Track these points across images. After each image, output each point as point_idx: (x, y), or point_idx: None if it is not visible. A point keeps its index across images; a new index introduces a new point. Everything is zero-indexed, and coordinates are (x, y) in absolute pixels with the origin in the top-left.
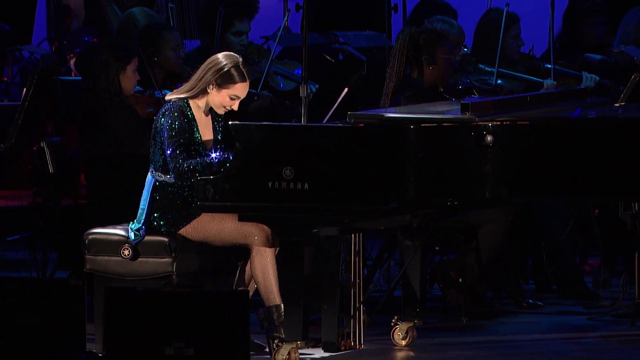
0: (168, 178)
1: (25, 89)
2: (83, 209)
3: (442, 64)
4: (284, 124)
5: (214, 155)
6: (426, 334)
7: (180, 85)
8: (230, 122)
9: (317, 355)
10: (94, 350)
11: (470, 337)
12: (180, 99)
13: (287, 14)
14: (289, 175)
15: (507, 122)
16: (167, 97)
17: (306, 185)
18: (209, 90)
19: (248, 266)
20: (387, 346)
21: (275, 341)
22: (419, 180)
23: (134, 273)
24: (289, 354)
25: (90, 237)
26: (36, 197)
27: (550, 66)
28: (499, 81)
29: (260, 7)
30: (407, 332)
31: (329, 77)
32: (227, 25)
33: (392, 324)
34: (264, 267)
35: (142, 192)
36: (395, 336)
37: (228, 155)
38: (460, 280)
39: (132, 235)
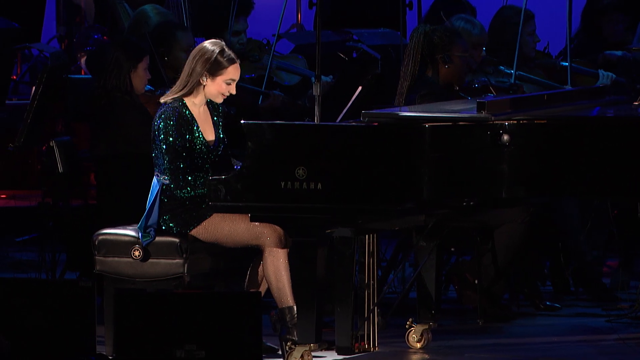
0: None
1: (34, 88)
2: (93, 209)
3: (458, 63)
4: (296, 122)
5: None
6: (441, 336)
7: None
8: (242, 121)
9: (330, 358)
10: (104, 353)
11: (486, 340)
12: (175, 99)
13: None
14: (302, 175)
15: (524, 121)
16: (162, 100)
17: (319, 185)
18: (203, 83)
19: (259, 267)
20: (402, 349)
21: (288, 344)
22: (434, 180)
23: (144, 274)
24: (301, 356)
25: (100, 237)
26: (45, 197)
27: (566, 64)
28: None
29: (268, 4)
30: (422, 335)
31: (342, 75)
32: (223, 25)
33: (406, 326)
34: (276, 269)
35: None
36: (410, 339)
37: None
38: (476, 281)
39: (141, 236)
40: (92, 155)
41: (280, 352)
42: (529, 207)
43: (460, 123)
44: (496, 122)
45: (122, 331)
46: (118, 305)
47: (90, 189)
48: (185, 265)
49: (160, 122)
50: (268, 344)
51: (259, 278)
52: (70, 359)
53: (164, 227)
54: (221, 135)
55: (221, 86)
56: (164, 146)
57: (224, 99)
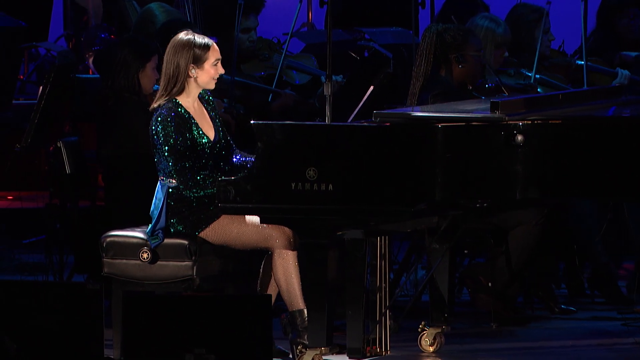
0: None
1: (41, 87)
2: (101, 210)
3: (472, 62)
4: (307, 123)
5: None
6: (454, 340)
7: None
8: (252, 122)
9: None
10: (112, 357)
11: (500, 344)
12: (168, 100)
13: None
14: (313, 176)
15: (539, 121)
16: (155, 106)
17: (330, 186)
18: (192, 76)
19: (268, 269)
20: (414, 353)
21: (299, 347)
22: (446, 181)
23: (153, 277)
24: None
25: (108, 239)
26: (53, 198)
27: (582, 63)
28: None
29: (277, 3)
30: (434, 338)
31: (354, 75)
32: (232, 23)
33: (419, 329)
34: (286, 271)
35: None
36: (423, 342)
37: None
38: (489, 284)
39: (150, 239)
40: (100, 156)
41: (291, 356)
42: (544, 208)
43: (474, 123)
44: (510, 122)
45: (130, 334)
46: (126, 308)
47: (98, 190)
48: (194, 268)
49: (159, 126)
50: (279, 347)
51: (269, 278)
52: None
53: (172, 230)
54: (220, 130)
55: (210, 70)
56: (166, 148)
57: (235, 100)
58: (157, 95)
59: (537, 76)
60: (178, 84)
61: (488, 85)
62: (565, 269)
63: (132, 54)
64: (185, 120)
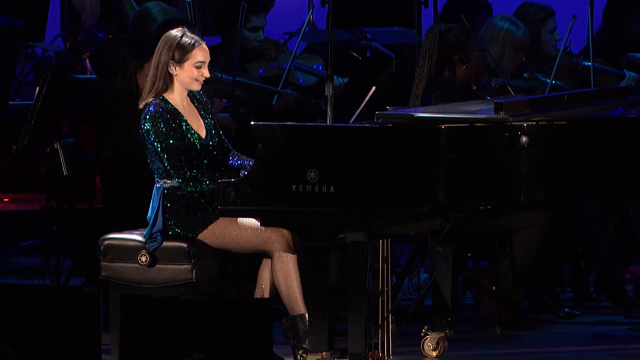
0: (175, 182)
1: (38, 88)
2: (98, 213)
3: (475, 62)
4: (308, 124)
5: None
6: (458, 344)
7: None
8: (252, 123)
9: None
10: None
11: (504, 349)
12: (155, 98)
13: (311, 11)
14: (314, 178)
15: (543, 122)
16: (142, 105)
17: (332, 188)
18: (172, 72)
19: (265, 273)
20: (417, 358)
21: (300, 352)
22: (450, 183)
23: (151, 280)
24: None
25: (106, 242)
26: (50, 200)
27: (589, 64)
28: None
29: (283, 2)
30: (437, 343)
31: (355, 75)
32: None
33: (422, 334)
34: (286, 274)
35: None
36: (426, 347)
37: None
38: (493, 288)
39: (148, 241)
40: (98, 158)
41: None
42: (549, 210)
43: (477, 124)
44: (514, 123)
45: (128, 339)
46: (124, 312)
47: (95, 192)
48: (194, 271)
49: (147, 123)
50: (277, 354)
51: (265, 283)
52: None
53: (170, 233)
54: (213, 131)
55: (192, 71)
56: (158, 145)
57: (236, 100)
58: (144, 94)
59: (554, 82)
60: (160, 80)
61: (492, 85)
62: (570, 272)
63: (131, 54)
64: (173, 116)
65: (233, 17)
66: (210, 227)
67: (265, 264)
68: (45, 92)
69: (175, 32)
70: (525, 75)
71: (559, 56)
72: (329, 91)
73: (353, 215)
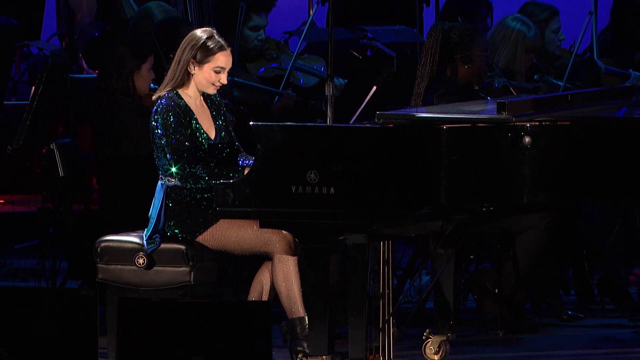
0: (177, 182)
1: (34, 88)
2: (95, 214)
3: (478, 62)
4: (308, 124)
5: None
6: (460, 348)
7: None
8: (251, 123)
9: None
10: None
11: (507, 352)
12: (169, 92)
13: (315, 7)
14: (314, 179)
15: (547, 123)
16: (155, 97)
17: (332, 190)
18: (191, 71)
19: (263, 276)
20: None
21: (299, 355)
22: (452, 184)
23: (149, 283)
24: None
25: (102, 244)
26: (45, 202)
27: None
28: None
29: (283, 0)
30: (439, 346)
31: (356, 74)
32: (244, 19)
33: (423, 337)
34: (286, 277)
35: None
36: (427, 350)
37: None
38: (496, 290)
39: (146, 243)
40: (95, 158)
41: None
42: (552, 212)
43: (480, 124)
44: (517, 123)
45: (125, 342)
46: (121, 315)
47: (92, 193)
48: (192, 274)
49: (158, 117)
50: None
51: (261, 286)
52: None
53: (169, 234)
54: (222, 134)
55: (210, 75)
56: (164, 140)
57: (239, 100)
58: (161, 85)
59: (568, 85)
60: (177, 75)
61: (495, 85)
62: (574, 274)
63: (129, 53)
64: (184, 112)
65: (233, 16)
66: (209, 230)
67: (264, 269)
68: (40, 91)
69: (203, 32)
70: (535, 77)
71: (572, 58)
72: (329, 91)
73: (353, 216)
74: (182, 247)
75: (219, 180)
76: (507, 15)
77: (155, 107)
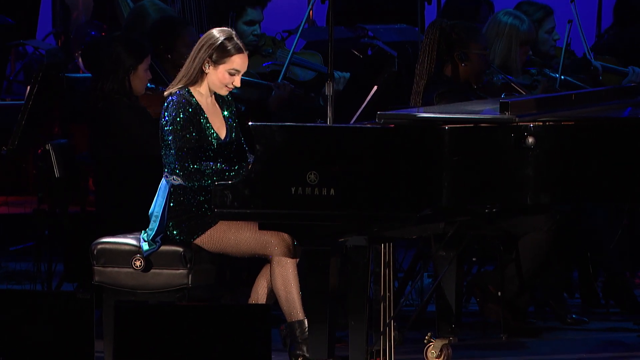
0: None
1: (29, 87)
2: (91, 216)
3: (476, 60)
4: (308, 124)
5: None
6: (462, 352)
7: None
8: (250, 123)
9: None
10: None
11: (509, 356)
12: (180, 89)
13: (311, 4)
14: (314, 180)
15: (550, 123)
16: (166, 93)
17: (332, 191)
18: (205, 70)
19: (265, 279)
20: None
21: (299, 359)
22: (454, 185)
23: (146, 286)
24: None
25: (99, 246)
26: (41, 203)
27: (597, 63)
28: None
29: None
30: (441, 350)
31: (357, 74)
32: (239, 13)
33: (425, 341)
34: (285, 280)
35: (154, 199)
36: (429, 354)
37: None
38: (499, 293)
39: (146, 245)
40: (92, 159)
41: None
42: (556, 214)
43: (482, 125)
44: (520, 123)
45: (122, 346)
46: (118, 318)
47: (88, 194)
48: (190, 276)
49: (167, 113)
50: None
51: (262, 290)
52: None
53: (167, 233)
54: (233, 134)
55: (224, 76)
56: (171, 137)
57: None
58: (174, 81)
59: (562, 77)
60: (191, 73)
61: (495, 79)
62: (579, 277)
63: (126, 52)
64: (195, 110)
65: (227, 11)
66: (208, 232)
67: (265, 271)
68: (36, 91)
69: (221, 32)
70: (533, 70)
71: (562, 53)
72: (329, 91)
73: (354, 218)
74: (180, 249)
75: (225, 179)
76: (499, 10)
77: (165, 104)
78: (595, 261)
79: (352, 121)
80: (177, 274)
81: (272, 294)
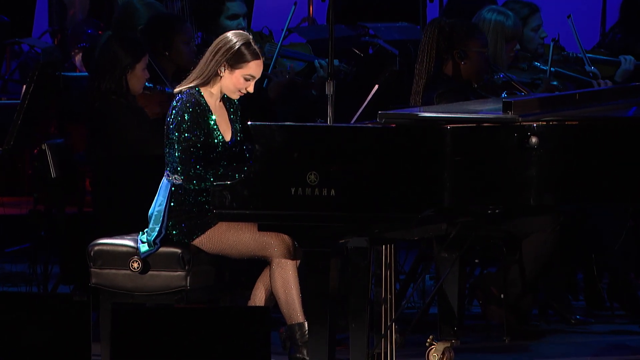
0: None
1: (25, 86)
2: (88, 217)
3: (475, 59)
4: (307, 124)
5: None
6: (465, 355)
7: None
8: (249, 123)
9: None
10: None
11: (512, 359)
12: (191, 88)
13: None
14: (314, 181)
15: (554, 122)
16: (176, 90)
17: (332, 192)
18: (220, 74)
19: (266, 281)
20: None
21: None
22: (456, 186)
23: (143, 288)
24: None
25: (96, 248)
26: (37, 204)
27: (580, 55)
28: (554, 82)
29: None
30: (443, 353)
31: (357, 73)
32: (219, 9)
33: (427, 344)
34: (285, 282)
35: (153, 199)
36: (431, 357)
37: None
38: (502, 295)
39: (144, 246)
40: (89, 160)
41: None
42: (559, 215)
43: (485, 124)
44: (524, 123)
45: (119, 349)
46: (115, 321)
47: (85, 195)
48: (188, 278)
49: (174, 112)
50: None
51: (261, 292)
52: None
53: (167, 233)
54: (239, 136)
55: (239, 81)
56: (176, 135)
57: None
58: (186, 80)
59: (553, 69)
60: (206, 74)
61: (496, 78)
62: (583, 279)
63: (124, 51)
64: (203, 111)
65: (211, 9)
66: (207, 233)
67: (266, 273)
68: (32, 90)
69: (240, 36)
70: (523, 65)
71: (550, 48)
72: (329, 90)
73: (354, 219)
74: (178, 250)
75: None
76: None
77: (174, 102)
78: (599, 263)
79: (352, 121)
80: (175, 276)
81: (271, 296)
